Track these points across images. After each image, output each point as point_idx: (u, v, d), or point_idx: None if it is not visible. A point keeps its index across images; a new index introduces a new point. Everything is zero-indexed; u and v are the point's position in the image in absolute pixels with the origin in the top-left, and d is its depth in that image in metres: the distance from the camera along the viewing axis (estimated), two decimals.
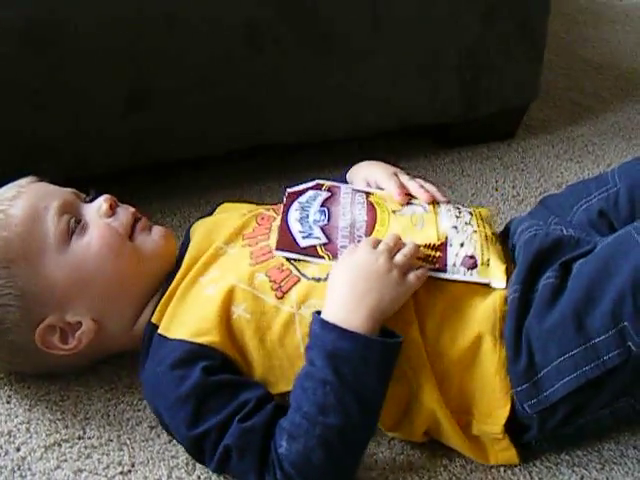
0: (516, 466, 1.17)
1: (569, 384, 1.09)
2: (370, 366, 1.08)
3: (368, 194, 1.29)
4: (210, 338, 1.14)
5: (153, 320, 1.21)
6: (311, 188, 1.31)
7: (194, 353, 1.13)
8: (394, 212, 1.25)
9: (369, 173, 1.34)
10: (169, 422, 1.15)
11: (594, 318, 1.08)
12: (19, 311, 1.19)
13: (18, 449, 1.19)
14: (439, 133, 1.89)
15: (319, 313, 1.12)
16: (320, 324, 1.10)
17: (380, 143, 1.77)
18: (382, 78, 1.69)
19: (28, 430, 1.21)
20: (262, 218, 1.28)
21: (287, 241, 1.21)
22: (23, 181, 1.27)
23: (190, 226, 1.35)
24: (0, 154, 1.49)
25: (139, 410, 1.24)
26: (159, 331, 1.18)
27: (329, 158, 1.72)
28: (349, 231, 1.22)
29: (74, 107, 1.51)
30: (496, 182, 1.78)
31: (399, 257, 1.15)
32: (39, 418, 1.23)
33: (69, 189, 1.28)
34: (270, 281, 1.17)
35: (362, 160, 1.40)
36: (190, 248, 1.26)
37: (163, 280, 1.24)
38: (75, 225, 1.21)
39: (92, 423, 1.22)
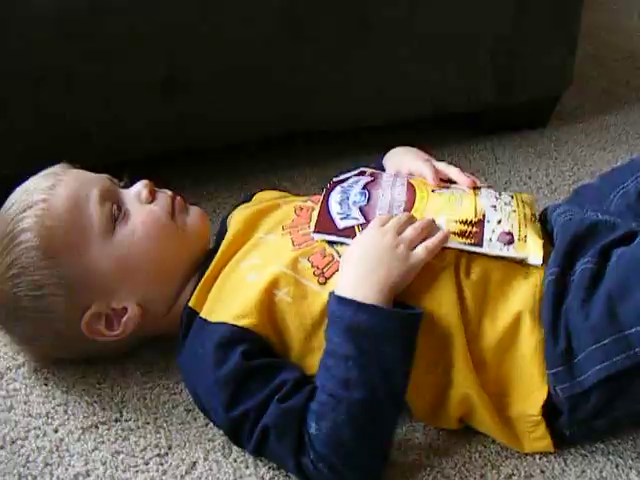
0: (551, 453, 1.17)
1: (600, 373, 1.09)
2: (390, 338, 1.09)
3: (409, 177, 1.29)
4: (251, 320, 1.14)
5: (190, 304, 1.21)
6: (355, 175, 1.31)
7: (234, 336, 1.14)
8: (433, 191, 1.25)
9: (402, 160, 1.34)
10: (207, 405, 1.16)
11: (628, 309, 1.08)
12: (64, 300, 1.20)
13: (56, 430, 1.20)
14: (472, 120, 1.89)
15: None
16: (336, 300, 1.11)
17: (413, 131, 1.77)
18: (417, 64, 1.68)
19: (66, 412, 1.22)
20: (301, 209, 1.28)
21: (326, 223, 1.22)
22: (57, 168, 1.27)
23: (227, 215, 1.36)
24: (33, 139, 1.51)
25: (175, 393, 1.25)
26: (201, 315, 1.19)
27: (363, 145, 1.72)
28: (387, 210, 1.22)
29: (108, 92, 1.51)
30: (529, 170, 1.77)
31: (408, 231, 1.17)
32: (76, 400, 1.24)
33: (104, 175, 1.28)
34: (313, 266, 1.17)
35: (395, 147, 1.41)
36: (229, 235, 1.27)
37: (200, 263, 1.25)
38: (117, 212, 1.22)
39: (129, 406, 1.23)
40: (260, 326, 1.15)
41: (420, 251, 1.15)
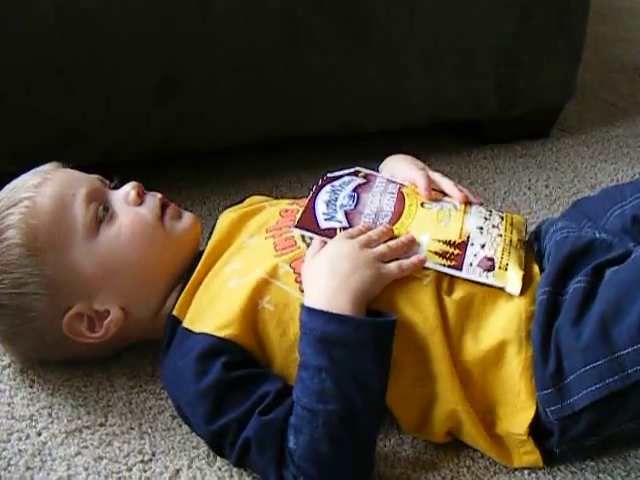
0: (540, 469, 1.15)
1: (592, 394, 1.07)
2: (362, 347, 1.07)
3: (402, 185, 1.28)
4: (232, 331, 1.12)
5: (174, 313, 1.20)
6: (348, 174, 1.30)
7: (216, 347, 1.12)
8: (423, 205, 1.24)
9: (398, 167, 1.32)
10: (189, 415, 1.15)
11: (621, 330, 1.06)
12: (46, 299, 1.18)
13: (39, 434, 1.18)
14: (473, 130, 1.87)
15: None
16: (306, 311, 1.09)
17: (413, 138, 1.75)
18: (417, 73, 1.67)
19: (50, 415, 1.20)
20: (286, 211, 1.27)
21: (308, 220, 1.21)
22: (47, 167, 1.26)
23: (217, 218, 1.34)
24: (29, 137, 1.50)
25: (161, 399, 1.23)
26: (184, 324, 1.18)
27: (362, 152, 1.69)
28: (372, 219, 1.21)
29: (105, 91, 1.50)
30: (529, 181, 1.76)
31: (381, 247, 1.15)
32: (61, 403, 1.22)
33: (94, 176, 1.27)
34: (295, 273, 1.16)
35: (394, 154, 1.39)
36: (211, 241, 1.26)
37: (187, 268, 1.24)
38: (104, 213, 1.21)
39: (114, 410, 1.22)
40: (242, 336, 1.13)
41: (393, 266, 1.13)
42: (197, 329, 1.15)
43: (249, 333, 1.14)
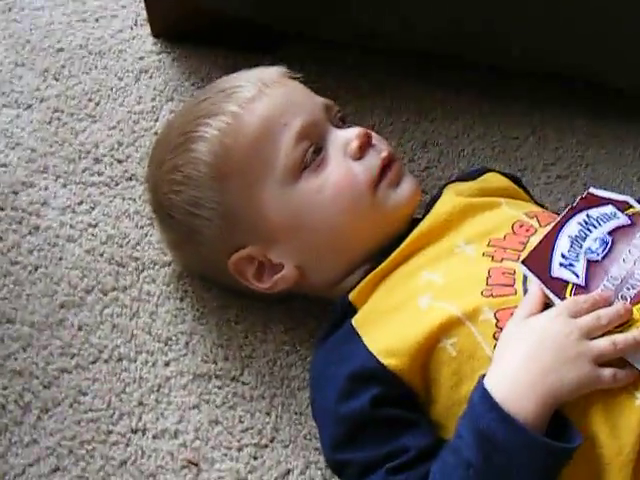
0: None
1: None
2: (527, 466, 0.86)
3: None
4: (398, 363, 0.94)
5: (351, 297, 1.02)
6: (615, 202, 1.02)
7: (374, 373, 0.94)
8: None
9: None
10: (319, 425, 1.00)
11: None
12: (218, 230, 1.04)
13: (167, 364, 1.07)
14: None
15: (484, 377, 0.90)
16: (481, 394, 0.88)
17: None
18: None
19: (186, 345, 1.08)
20: (520, 226, 1.02)
21: (539, 259, 0.96)
22: (273, 73, 1.08)
23: (446, 184, 1.12)
24: None
25: (308, 371, 1.07)
26: (354, 321, 1.00)
27: None
28: (616, 285, 0.95)
29: None
30: None
31: (604, 343, 0.89)
32: (202, 335, 1.09)
33: (320, 100, 1.07)
34: (496, 326, 0.93)
35: None
36: (425, 223, 1.04)
37: (387, 246, 1.04)
38: (312, 157, 1.02)
39: (253, 365, 1.07)
40: (407, 371, 0.94)
41: (608, 374, 0.88)
42: (365, 337, 0.97)
43: (417, 369, 0.95)
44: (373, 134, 1.07)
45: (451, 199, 1.07)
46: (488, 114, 1.34)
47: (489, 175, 1.13)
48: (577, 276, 0.95)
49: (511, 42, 1.26)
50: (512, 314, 0.93)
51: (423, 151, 1.29)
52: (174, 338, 1.08)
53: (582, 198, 1.02)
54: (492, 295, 0.95)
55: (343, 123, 1.08)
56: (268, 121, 1.02)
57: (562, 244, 0.97)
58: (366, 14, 1.25)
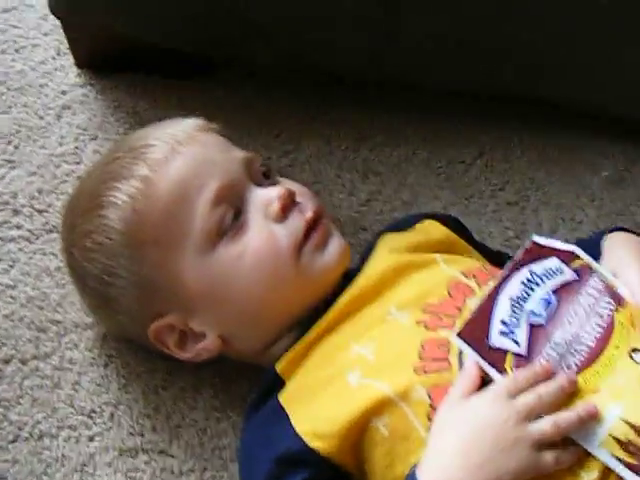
0: None
1: None
2: None
3: (618, 304, 0.91)
4: (326, 446, 0.88)
5: (278, 368, 0.96)
6: (560, 253, 0.95)
7: (302, 456, 0.89)
8: (633, 353, 0.88)
9: (624, 260, 0.93)
10: None
11: None
12: (136, 299, 0.98)
13: (91, 439, 1.01)
14: None
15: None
16: None
17: None
18: None
19: (112, 418, 1.02)
20: (457, 288, 0.95)
21: (477, 328, 0.88)
22: (187, 128, 1.01)
23: (381, 232, 1.05)
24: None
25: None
26: (281, 399, 0.94)
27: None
28: (560, 351, 0.88)
29: None
30: None
31: (545, 425, 0.82)
32: (129, 404, 1.03)
33: (241, 155, 1.00)
34: (430, 406, 0.87)
35: None
36: (357, 286, 0.97)
37: (314, 310, 0.98)
38: (231, 223, 0.95)
39: (182, 436, 1.02)
40: (336, 453, 0.88)
41: (550, 458, 0.81)
42: (292, 416, 0.91)
43: (348, 449, 0.89)
44: (298, 189, 1.00)
45: (384, 258, 1.00)
46: (432, 138, 1.27)
47: (426, 224, 1.07)
48: (518, 344, 0.88)
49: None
50: (447, 391, 0.87)
51: (363, 182, 1.22)
52: (98, 410, 1.02)
53: (526, 250, 0.95)
54: (425, 371, 0.89)
55: (266, 178, 1.01)
56: (181, 185, 0.95)
57: (502, 308, 0.90)
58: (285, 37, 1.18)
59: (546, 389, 0.84)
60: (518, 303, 0.90)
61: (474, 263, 1.01)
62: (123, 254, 0.96)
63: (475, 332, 0.89)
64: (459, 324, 0.89)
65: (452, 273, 0.97)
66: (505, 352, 0.88)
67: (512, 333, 0.89)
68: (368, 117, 1.27)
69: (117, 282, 0.97)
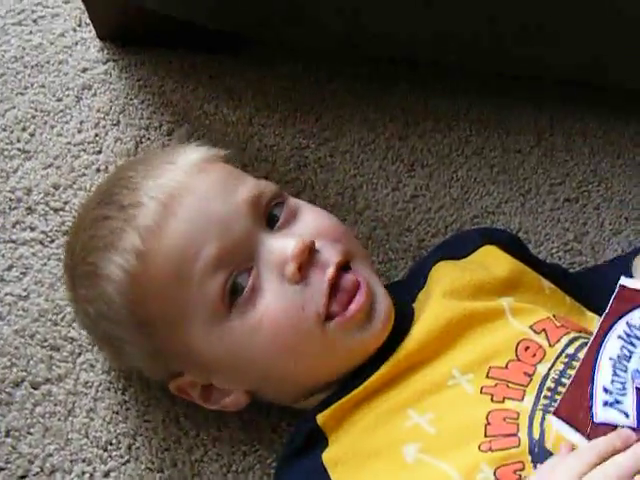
0: None
1: None
2: None
3: None
4: None
5: (319, 421, 0.85)
6: None
7: None
8: None
9: None
10: None
11: None
12: (150, 363, 0.90)
13: (106, 475, 0.93)
14: None
15: None
16: None
17: None
18: None
19: (129, 450, 0.94)
20: (526, 348, 0.84)
21: (576, 405, 0.76)
22: (184, 170, 0.87)
23: (431, 256, 0.95)
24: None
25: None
26: (325, 461, 0.83)
27: None
28: None
29: None
30: None
31: None
32: (148, 435, 0.94)
33: (246, 195, 0.86)
34: None
35: None
36: (415, 336, 0.85)
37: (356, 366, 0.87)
38: (238, 289, 0.84)
39: (206, 472, 0.93)
40: None
41: None
42: None
43: None
44: (316, 227, 0.87)
45: (443, 306, 0.87)
46: (487, 123, 1.15)
47: (485, 251, 0.94)
48: (627, 415, 0.75)
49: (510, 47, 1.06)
50: (514, 471, 0.77)
51: (409, 176, 1.11)
52: (114, 442, 0.94)
53: (616, 298, 0.81)
54: (491, 449, 0.78)
55: (277, 219, 0.87)
56: (176, 257, 0.83)
57: (603, 373, 0.77)
58: (340, 19, 1.06)
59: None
60: (620, 362, 0.78)
61: (543, 313, 0.88)
62: (128, 327, 0.87)
63: (573, 408, 0.77)
64: (527, 406, 0.79)
65: (521, 329, 0.86)
66: (613, 427, 0.75)
67: (618, 403, 0.76)
68: (420, 100, 1.15)
69: (127, 348, 0.89)
